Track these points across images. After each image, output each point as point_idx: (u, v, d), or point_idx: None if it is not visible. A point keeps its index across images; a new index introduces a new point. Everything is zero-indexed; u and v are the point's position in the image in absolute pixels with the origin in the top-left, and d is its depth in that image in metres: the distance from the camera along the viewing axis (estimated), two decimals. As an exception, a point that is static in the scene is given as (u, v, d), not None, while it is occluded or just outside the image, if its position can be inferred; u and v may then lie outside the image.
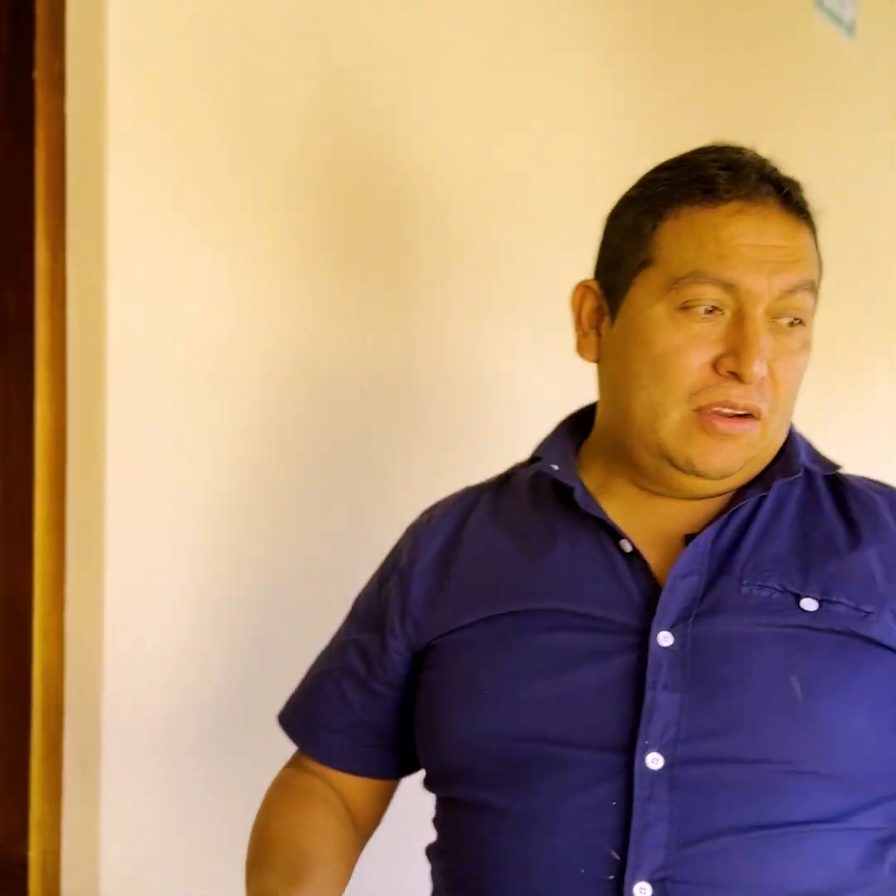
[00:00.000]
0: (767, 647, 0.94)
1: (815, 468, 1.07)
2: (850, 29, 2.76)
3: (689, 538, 1.00)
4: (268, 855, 1.01)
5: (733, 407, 0.97)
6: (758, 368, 0.95)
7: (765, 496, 1.02)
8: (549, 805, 0.92)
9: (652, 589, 0.97)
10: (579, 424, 1.12)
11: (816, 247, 1.02)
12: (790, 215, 0.99)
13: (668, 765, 0.90)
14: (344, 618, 1.17)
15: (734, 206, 0.97)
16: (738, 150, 1.02)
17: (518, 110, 1.78)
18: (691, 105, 2.14)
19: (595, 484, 1.05)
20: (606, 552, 1.01)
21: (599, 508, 1.02)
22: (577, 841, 0.90)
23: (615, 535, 1.01)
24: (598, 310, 1.05)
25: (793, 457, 1.04)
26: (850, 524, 1.02)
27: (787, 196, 0.99)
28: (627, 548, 1.00)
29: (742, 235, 0.96)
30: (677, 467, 1.00)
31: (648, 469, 1.02)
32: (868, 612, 0.96)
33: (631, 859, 0.89)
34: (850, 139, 2.81)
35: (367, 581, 1.17)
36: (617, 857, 0.89)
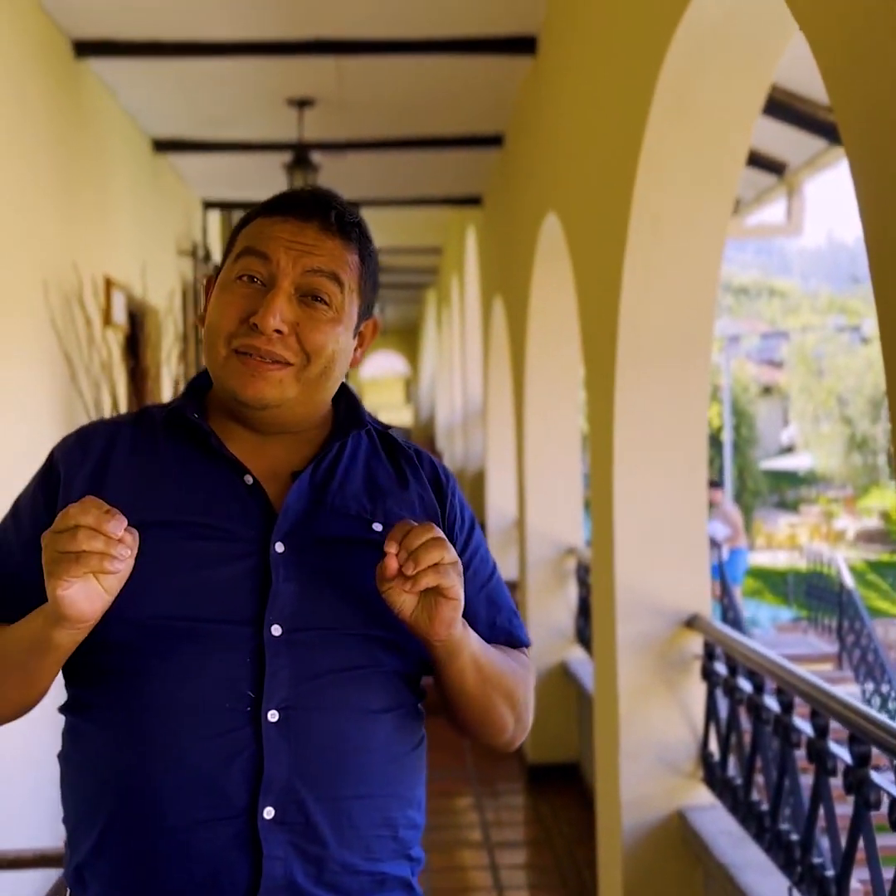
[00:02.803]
0: (352, 555, 1.33)
1: (376, 425, 1.46)
2: None
3: (295, 475, 1.35)
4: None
5: (257, 350, 1.30)
6: (271, 321, 1.29)
7: (345, 443, 1.40)
8: (196, 662, 1.25)
9: (269, 512, 1.33)
10: (202, 383, 1.43)
11: (357, 258, 1.37)
12: (329, 231, 1.34)
13: (287, 631, 1.27)
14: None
15: (286, 217, 1.35)
16: (310, 189, 1.39)
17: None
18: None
19: (220, 429, 1.37)
20: (233, 484, 1.34)
21: (229, 451, 1.35)
22: (220, 685, 1.24)
23: (240, 470, 1.34)
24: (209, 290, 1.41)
25: (358, 411, 1.43)
26: (399, 470, 1.43)
27: (330, 218, 1.34)
28: (249, 481, 1.34)
29: (282, 231, 1.34)
30: (235, 399, 1.33)
31: (231, 405, 1.35)
32: None
33: (265, 695, 1.24)
34: None
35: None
36: (252, 695, 1.24)
